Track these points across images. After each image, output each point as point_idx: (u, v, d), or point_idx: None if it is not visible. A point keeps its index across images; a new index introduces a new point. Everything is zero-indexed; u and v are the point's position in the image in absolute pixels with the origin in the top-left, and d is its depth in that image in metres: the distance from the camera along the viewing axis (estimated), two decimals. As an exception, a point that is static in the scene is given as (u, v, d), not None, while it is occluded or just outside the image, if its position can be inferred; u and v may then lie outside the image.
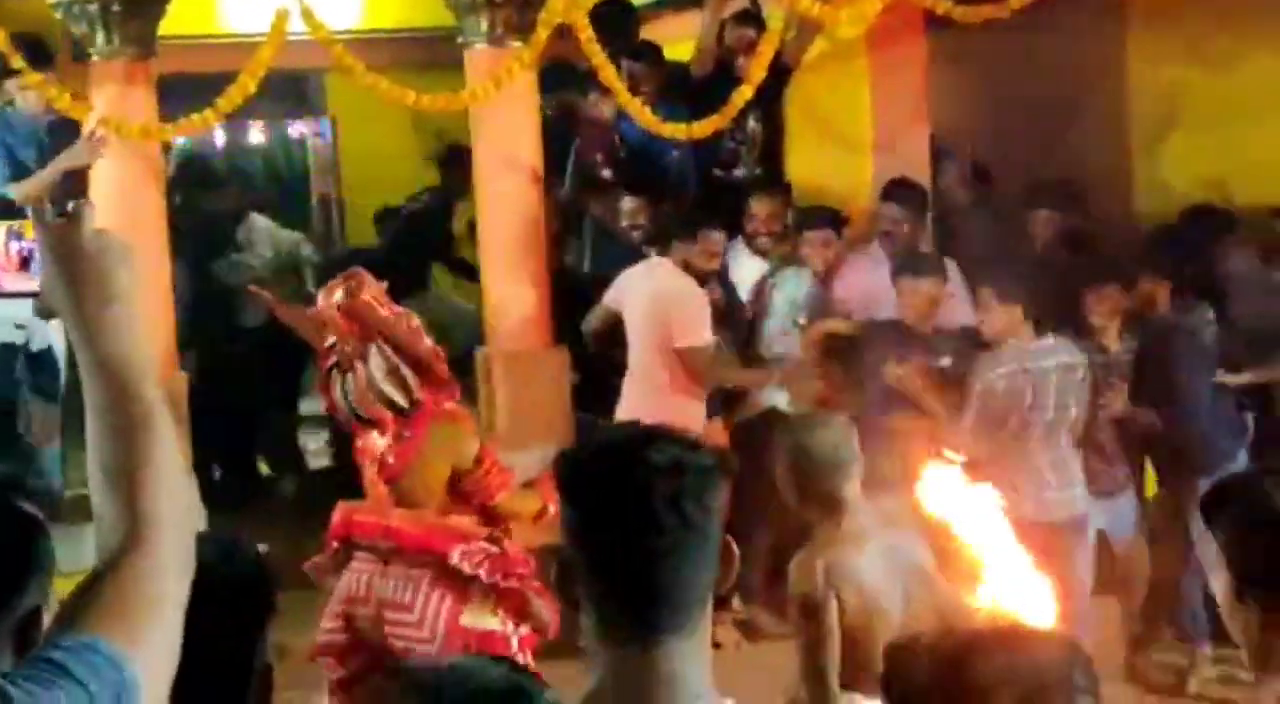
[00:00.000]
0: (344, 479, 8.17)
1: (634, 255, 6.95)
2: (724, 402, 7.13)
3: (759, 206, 7.16)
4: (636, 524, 1.94)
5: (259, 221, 9.05)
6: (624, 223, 7.07)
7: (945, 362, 6.47)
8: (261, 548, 2.75)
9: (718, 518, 1.99)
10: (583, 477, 2.00)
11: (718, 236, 6.68)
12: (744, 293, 7.20)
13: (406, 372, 4.78)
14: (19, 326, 6.25)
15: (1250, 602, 2.35)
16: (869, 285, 7.01)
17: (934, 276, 6.50)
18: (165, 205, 6.94)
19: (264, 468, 8.77)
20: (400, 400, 4.79)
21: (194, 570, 1.77)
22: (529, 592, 4.78)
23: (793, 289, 7.06)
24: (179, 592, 1.74)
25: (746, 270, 7.23)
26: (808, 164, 7.61)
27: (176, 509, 1.76)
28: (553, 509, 4.83)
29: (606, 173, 7.53)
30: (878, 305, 6.92)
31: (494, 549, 4.81)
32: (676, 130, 7.03)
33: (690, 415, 6.41)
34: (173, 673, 1.70)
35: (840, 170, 7.47)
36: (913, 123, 7.44)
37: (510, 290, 7.08)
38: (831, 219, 7.14)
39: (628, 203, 7.08)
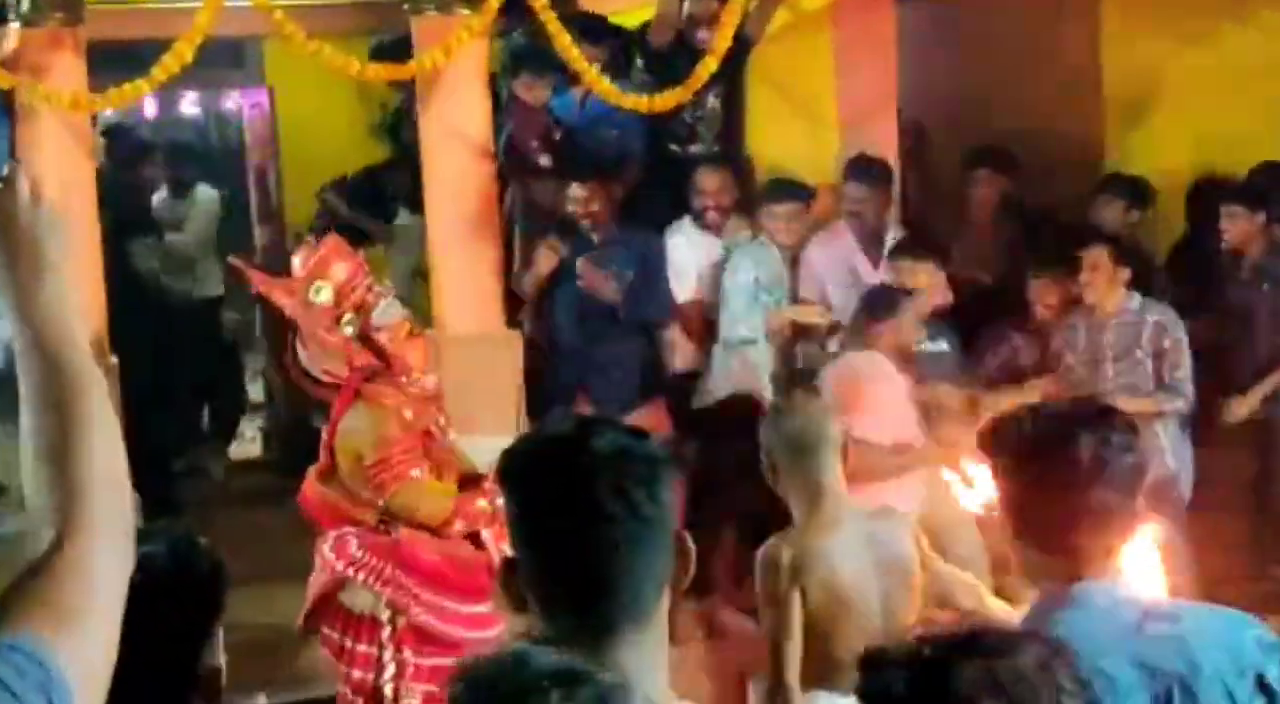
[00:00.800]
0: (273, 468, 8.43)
1: (578, 237, 6.90)
2: (673, 387, 7.11)
3: (707, 180, 7.09)
4: (582, 515, 1.91)
5: (204, 193, 8.99)
6: (573, 210, 6.96)
7: (943, 347, 6.51)
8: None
9: (670, 509, 1.95)
10: (523, 468, 1.97)
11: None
12: (692, 274, 7.12)
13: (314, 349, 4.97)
14: None
15: None
16: (837, 268, 6.95)
17: (933, 260, 6.49)
18: (95, 180, 6.80)
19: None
20: (317, 374, 5.00)
21: (134, 559, 1.73)
22: (409, 600, 4.91)
23: (753, 267, 6.96)
24: (117, 580, 1.70)
25: (695, 250, 7.14)
26: (770, 140, 7.53)
27: (114, 491, 1.73)
28: (460, 526, 5.03)
29: (545, 160, 7.43)
30: (845, 289, 6.87)
31: (382, 539, 4.96)
32: (637, 103, 6.92)
33: None
34: (110, 666, 1.66)
35: (804, 147, 7.40)
36: (881, 98, 7.37)
37: (459, 270, 6.97)
38: (798, 191, 7.05)
39: (576, 190, 6.95)
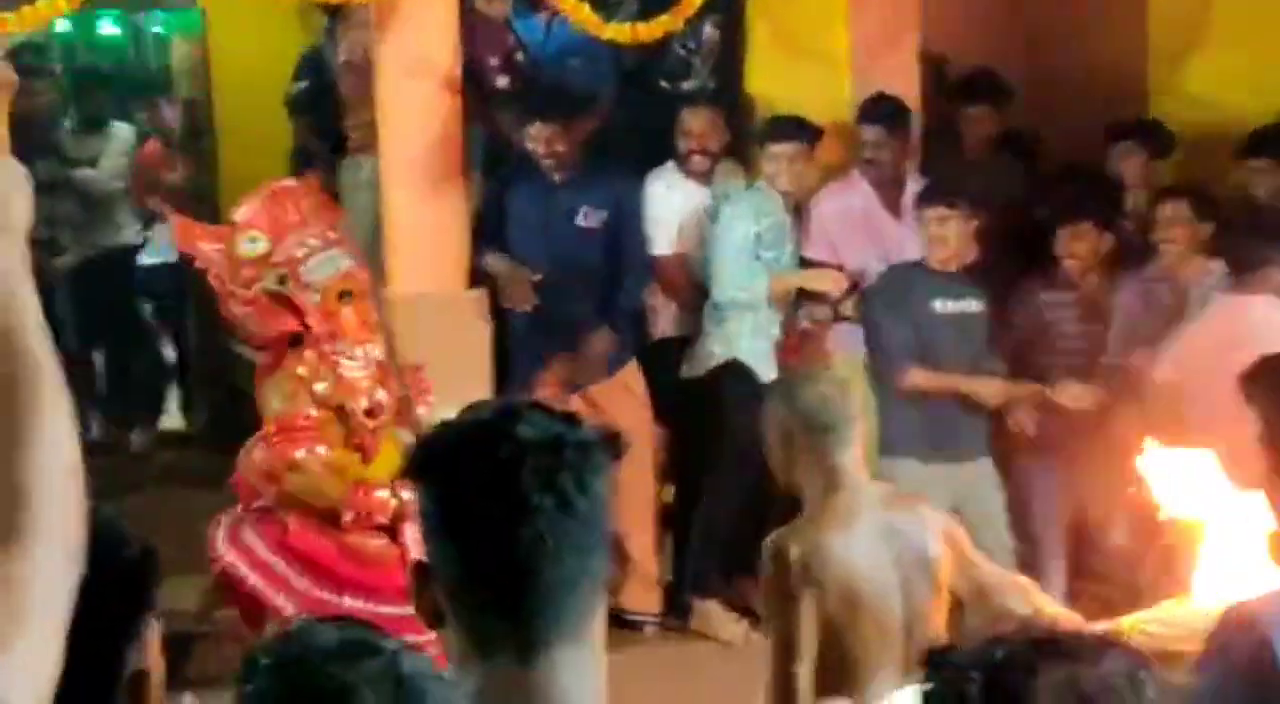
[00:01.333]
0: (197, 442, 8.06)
1: (537, 177, 6.38)
2: (657, 351, 6.60)
3: (692, 119, 6.61)
4: (505, 510, 1.78)
5: (119, 129, 8.51)
6: (533, 149, 6.41)
7: (972, 307, 6.13)
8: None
9: (605, 503, 1.84)
10: (438, 459, 1.84)
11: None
12: (673, 225, 6.62)
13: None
14: None
15: None
16: (851, 221, 6.53)
17: (967, 208, 6.07)
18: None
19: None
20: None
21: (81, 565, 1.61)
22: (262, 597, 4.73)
23: (752, 220, 6.43)
24: (62, 594, 1.58)
25: (677, 198, 6.62)
26: (772, 78, 7.00)
27: (62, 495, 1.59)
28: (349, 517, 4.77)
29: (502, 81, 6.95)
30: (861, 245, 6.50)
31: (274, 528, 4.80)
32: (619, 33, 6.35)
33: None
34: (53, 685, 1.56)
35: (811, 86, 6.84)
36: (899, 30, 6.85)
37: (417, 220, 6.41)
38: (802, 130, 6.50)
39: (538, 129, 6.38)
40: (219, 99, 8.77)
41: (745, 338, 6.46)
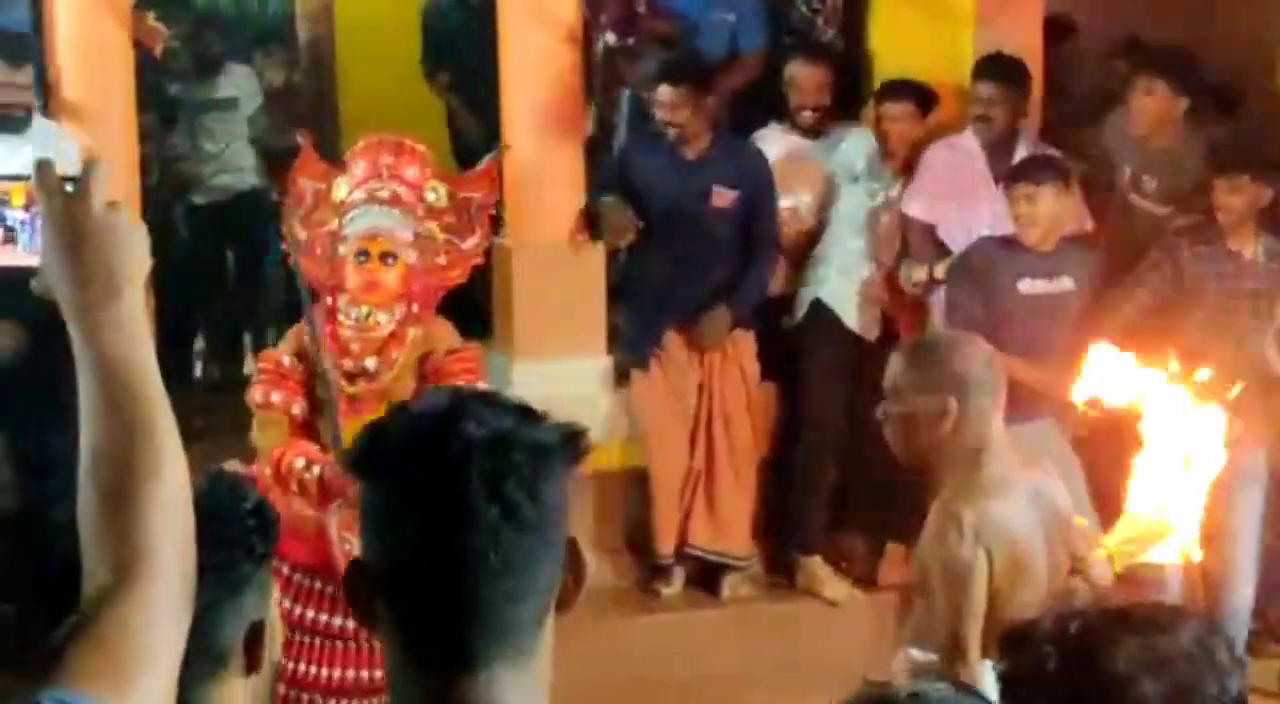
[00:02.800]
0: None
1: (668, 148, 6.46)
2: (768, 308, 6.74)
3: (801, 73, 6.69)
4: (445, 516, 1.65)
5: (237, 71, 8.59)
6: (660, 116, 6.47)
7: (1066, 286, 6.09)
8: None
9: (559, 511, 1.70)
10: (379, 453, 1.70)
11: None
12: (785, 175, 6.70)
13: None
14: None
15: None
16: (951, 180, 6.57)
17: (1058, 182, 6.04)
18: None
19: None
20: None
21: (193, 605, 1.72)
22: None
23: (852, 152, 6.64)
24: (177, 635, 1.69)
25: (786, 154, 6.73)
26: (895, 35, 7.03)
27: (178, 538, 1.70)
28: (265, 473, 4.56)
29: (611, 38, 7.08)
30: (963, 208, 6.52)
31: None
32: (742, -15, 6.51)
33: None
34: None
35: (934, 44, 6.89)
36: (1026, -11, 6.89)
37: (537, 171, 6.57)
38: (916, 93, 6.64)
39: (665, 92, 6.43)
40: (343, 36, 8.87)
41: (831, 280, 6.62)
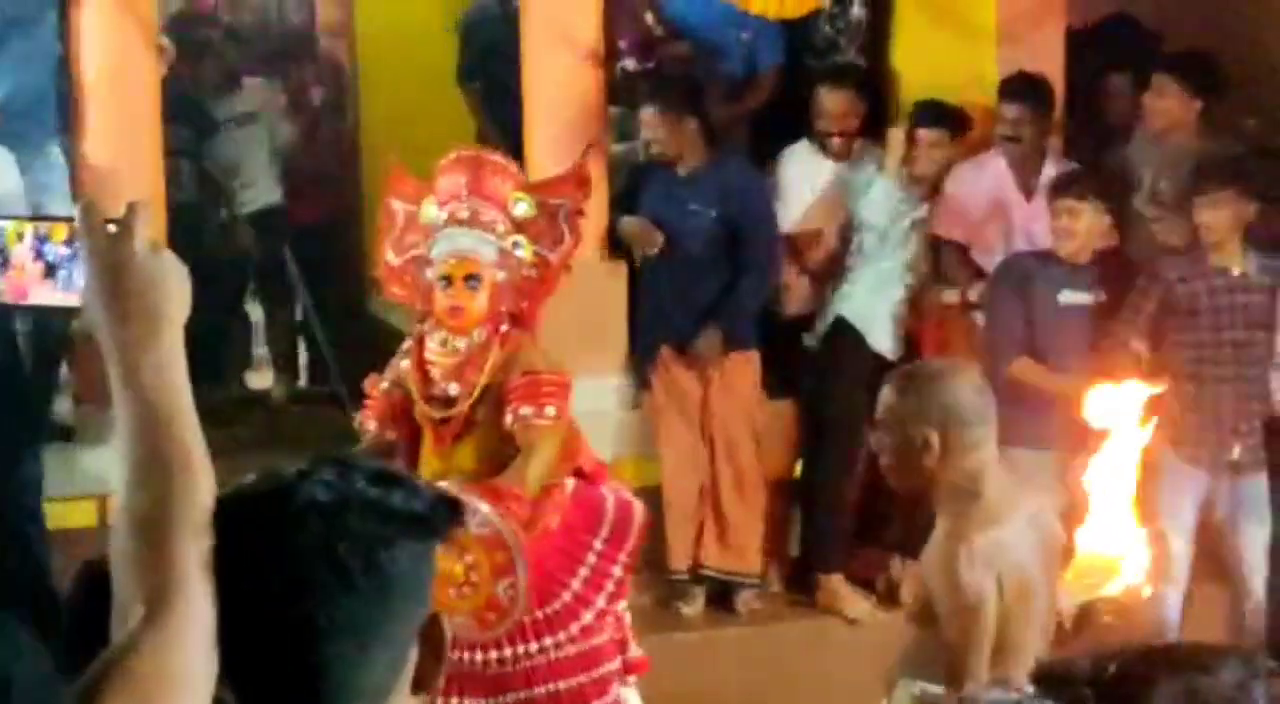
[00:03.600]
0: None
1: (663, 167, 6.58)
2: (790, 328, 6.82)
3: (830, 99, 6.77)
4: (279, 585, 1.66)
5: (255, 85, 8.71)
6: (644, 135, 6.65)
7: (1102, 297, 6.28)
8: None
9: (408, 585, 1.67)
10: (220, 516, 1.71)
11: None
12: (796, 205, 6.84)
13: None
14: None
15: None
16: (981, 200, 6.67)
17: (1100, 199, 6.19)
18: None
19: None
20: None
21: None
22: None
23: (880, 192, 6.72)
24: (208, 670, 1.67)
25: (814, 176, 6.84)
26: (919, 53, 7.13)
27: (206, 581, 1.69)
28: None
29: (630, 63, 7.18)
30: (990, 226, 6.62)
31: None
32: (767, 5, 6.56)
33: None
34: None
35: (957, 63, 6.99)
36: (1047, 6, 6.97)
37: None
38: (946, 117, 6.74)
39: (647, 112, 6.59)
40: (364, 61, 8.93)
41: (856, 298, 6.70)
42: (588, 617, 4.60)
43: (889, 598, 6.72)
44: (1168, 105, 6.67)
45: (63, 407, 6.52)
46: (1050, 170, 6.63)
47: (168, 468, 1.71)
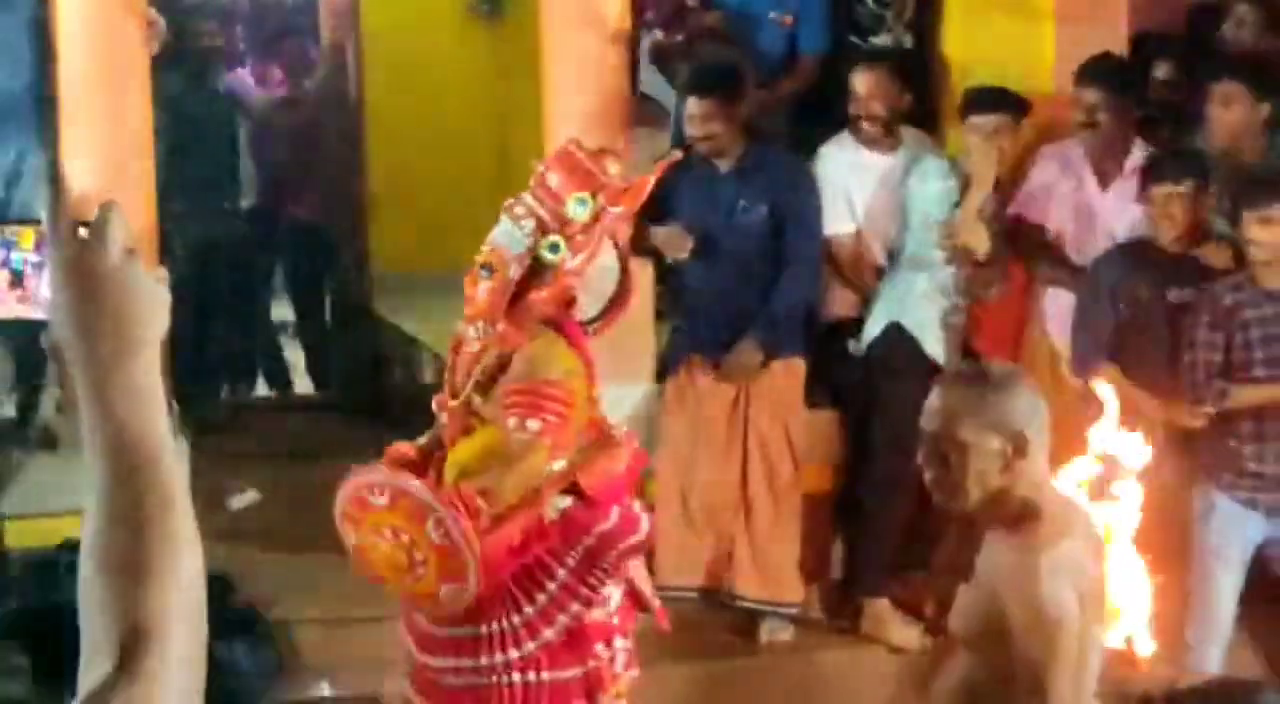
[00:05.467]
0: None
1: (701, 161, 6.36)
2: (832, 333, 6.63)
3: (860, 81, 6.56)
4: None
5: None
6: (689, 130, 6.40)
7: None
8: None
9: None
10: None
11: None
12: (841, 201, 6.61)
13: None
14: None
15: None
16: (1056, 189, 6.49)
17: (1196, 179, 5.97)
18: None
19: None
20: None
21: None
22: None
23: (934, 183, 6.49)
24: None
25: (853, 170, 6.62)
26: (971, 35, 6.96)
27: (190, 628, 1.63)
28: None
29: (656, 35, 7.09)
30: (1071, 217, 6.45)
31: None
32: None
33: None
34: None
35: (1011, 46, 6.82)
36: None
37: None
38: (1005, 101, 6.51)
39: (694, 105, 6.36)
40: (367, 42, 8.76)
41: (912, 303, 6.50)
42: (549, 634, 4.52)
43: (937, 625, 6.48)
44: (1235, 116, 6.45)
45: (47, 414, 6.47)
46: (1137, 158, 6.42)
47: (140, 502, 1.63)
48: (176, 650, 1.61)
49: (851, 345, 6.65)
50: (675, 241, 6.38)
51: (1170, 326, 5.97)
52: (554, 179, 4.48)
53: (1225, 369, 5.82)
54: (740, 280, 6.38)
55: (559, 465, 4.41)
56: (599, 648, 4.55)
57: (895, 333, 6.51)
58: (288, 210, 8.76)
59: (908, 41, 7.00)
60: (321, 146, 8.74)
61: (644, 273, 6.46)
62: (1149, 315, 6.01)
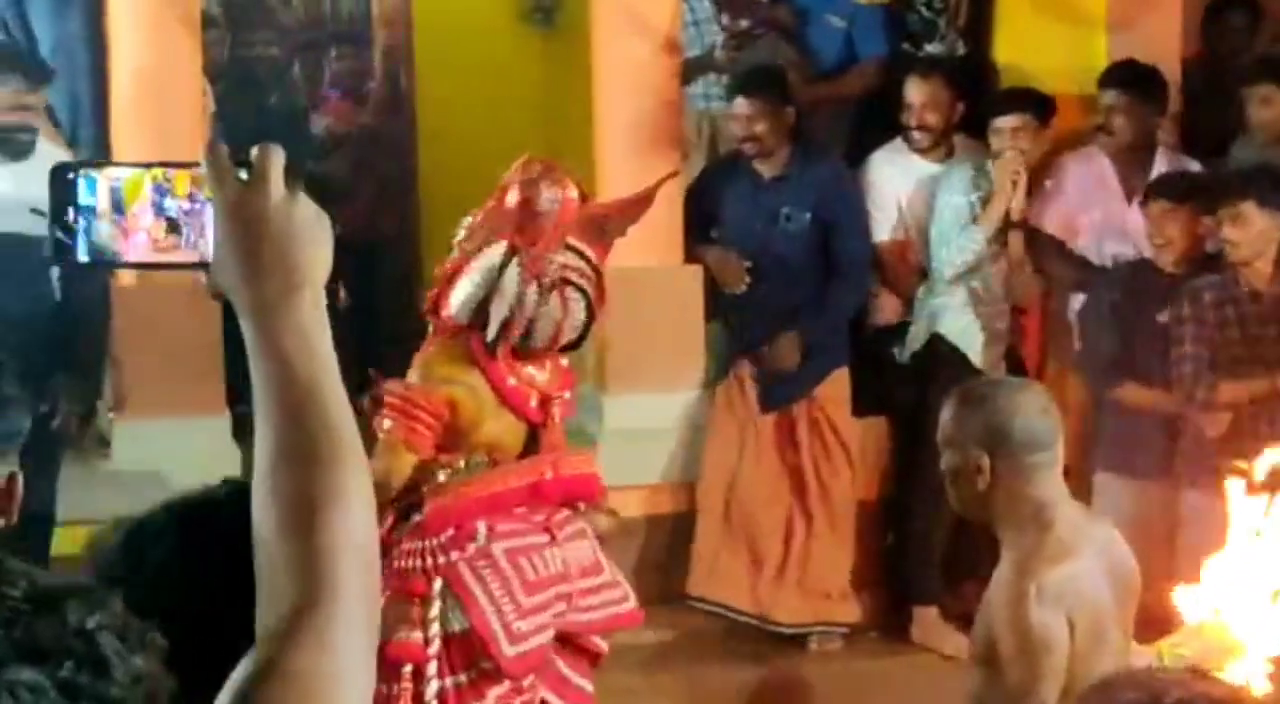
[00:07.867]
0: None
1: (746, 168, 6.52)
2: (878, 339, 6.75)
3: (914, 91, 6.67)
4: None
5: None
6: (735, 130, 6.56)
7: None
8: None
9: None
10: None
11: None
12: (891, 208, 6.75)
13: None
14: None
15: None
16: (1082, 197, 6.56)
17: (1197, 200, 6.01)
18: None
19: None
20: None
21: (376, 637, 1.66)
22: None
23: (964, 189, 6.56)
24: (367, 669, 1.63)
25: (902, 178, 6.75)
26: (1023, 42, 7.09)
27: (364, 566, 1.64)
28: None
29: (724, 20, 7.11)
30: (1096, 224, 6.51)
31: None
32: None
33: None
34: None
35: (1064, 52, 6.96)
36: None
37: (633, 186, 6.55)
38: (1029, 102, 6.60)
39: (741, 105, 6.50)
40: (422, 46, 8.84)
41: (952, 313, 6.58)
42: None
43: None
44: (1274, 114, 6.50)
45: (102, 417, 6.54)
46: (1160, 168, 6.50)
47: (313, 444, 1.64)
48: (351, 593, 1.62)
49: (897, 352, 6.77)
50: (731, 273, 6.55)
51: (1164, 349, 5.96)
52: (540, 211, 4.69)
53: (1213, 367, 5.84)
54: (785, 286, 6.50)
55: (443, 477, 4.40)
56: (405, 670, 4.29)
57: (938, 343, 6.60)
58: (344, 221, 8.82)
59: (961, 48, 7.09)
60: (376, 158, 8.87)
61: (694, 276, 6.67)
62: (1149, 336, 6.03)
